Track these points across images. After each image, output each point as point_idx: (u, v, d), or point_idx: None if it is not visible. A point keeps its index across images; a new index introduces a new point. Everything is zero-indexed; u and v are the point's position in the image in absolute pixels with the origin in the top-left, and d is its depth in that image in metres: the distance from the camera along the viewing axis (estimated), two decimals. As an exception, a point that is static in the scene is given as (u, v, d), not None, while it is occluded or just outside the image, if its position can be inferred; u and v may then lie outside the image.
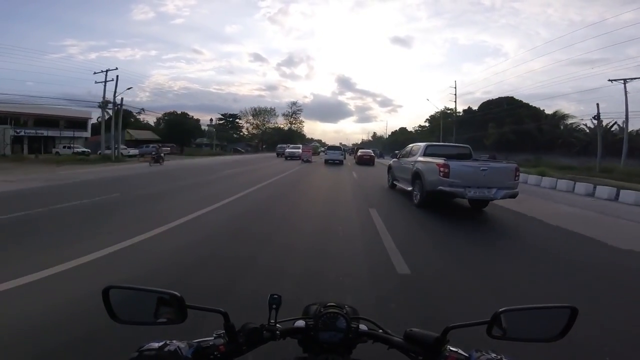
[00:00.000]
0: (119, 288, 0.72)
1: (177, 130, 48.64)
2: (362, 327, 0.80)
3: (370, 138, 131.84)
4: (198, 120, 59.37)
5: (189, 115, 58.77)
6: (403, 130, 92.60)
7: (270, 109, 72.03)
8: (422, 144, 8.98)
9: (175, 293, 0.71)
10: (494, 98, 45.37)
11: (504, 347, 0.71)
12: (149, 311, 0.72)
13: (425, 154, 8.39)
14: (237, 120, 70.78)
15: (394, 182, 10.64)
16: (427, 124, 63.49)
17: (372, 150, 34.02)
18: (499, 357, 0.67)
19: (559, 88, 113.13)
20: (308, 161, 26.80)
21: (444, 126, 43.06)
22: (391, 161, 11.82)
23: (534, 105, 41.70)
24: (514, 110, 39.14)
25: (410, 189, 8.47)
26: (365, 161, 26.84)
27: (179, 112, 58.56)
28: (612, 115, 36.34)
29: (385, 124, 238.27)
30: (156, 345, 0.66)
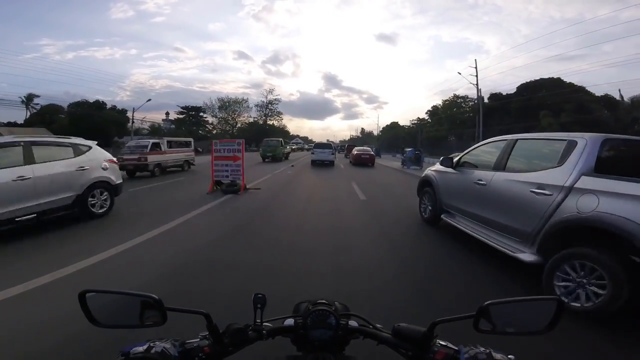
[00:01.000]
0: (95, 292, 0.72)
1: (83, 127, 32.19)
2: (352, 323, 0.81)
3: (358, 134, 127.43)
4: (124, 112, 43.05)
5: (106, 105, 43.31)
6: (394, 124, 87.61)
7: (242, 99, 60.37)
8: (579, 139, 3.13)
9: (153, 296, 0.71)
10: (532, 80, 37.21)
11: (492, 339, 0.70)
12: (129, 314, 0.72)
13: (598, 163, 2.88)
14: (202, 114, 58.32)
15: (445, 215, 5.16)
16: (426, 117, 57.37)
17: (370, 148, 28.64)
18: (487, 350, 0.67)
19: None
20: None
21: (455, 117, 37.72)
22: (431, 172, 5.86)
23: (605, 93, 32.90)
24: (568, 95, 31.55)
25: (525, 251, 3.23)
26: (364, 161, 21.76)
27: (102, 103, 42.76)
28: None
29: (372, 120, 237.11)
30: (141, 348, 0.66)
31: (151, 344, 0.67)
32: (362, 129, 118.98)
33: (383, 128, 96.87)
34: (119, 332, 0.75)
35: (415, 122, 61.47)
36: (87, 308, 0.70)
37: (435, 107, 54.10)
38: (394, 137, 75.65)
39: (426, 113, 57.26)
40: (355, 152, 23.44)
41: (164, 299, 0.72)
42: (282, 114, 61.97)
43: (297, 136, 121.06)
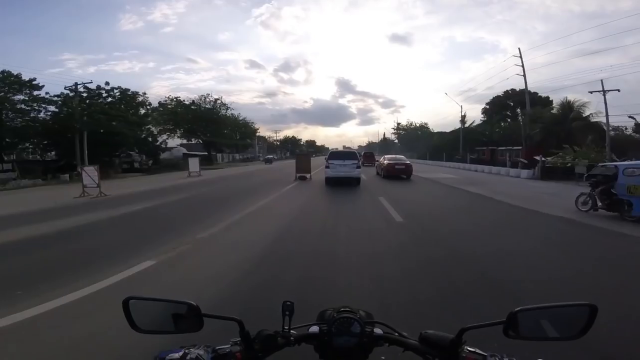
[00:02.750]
0: (138, 299, 0.75)
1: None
2: (377, 330, 0.81)
3: (378, 140, 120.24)
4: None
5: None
6: (422, 127, 79.63)
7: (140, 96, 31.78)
8: None
9: (192, 302, 0.74)
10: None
11: (522, 348, 0.72)
12: (167, 320, 0.75)
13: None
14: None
15: None
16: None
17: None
18: None
19: (562, 81, 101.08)
20: None
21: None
22: None
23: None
24: None
25: None
26: (398, 173, 17.05)
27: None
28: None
29: (388, 125, 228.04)
30: (177, 355, 0.67)
31: (186, 351, 0.68)
32: (384, 134, 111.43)
33: (402, 130, 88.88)
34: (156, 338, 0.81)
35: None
36: (129, 314, 0.73)
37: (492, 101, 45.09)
38: (422, 142, 67.77)
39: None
40: (387, 162, 17.91)
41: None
42: (228, 106, 46.11)
43: (304, 144, 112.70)
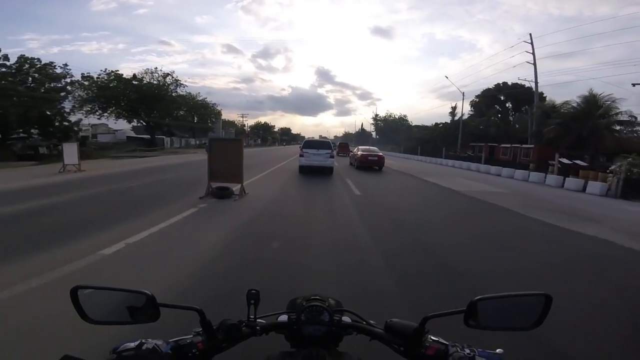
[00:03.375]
0: (87, 288, 0.71)
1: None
2: (346, 319, 0.80)
3: (357, 131, 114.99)
4: None
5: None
6: (401, 120, 74.68)
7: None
8: None
9: (146, 292, 0.70)
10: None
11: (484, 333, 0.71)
12: (121, 311, 0.71)
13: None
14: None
15: None
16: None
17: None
18: (471, 354, 0.67)
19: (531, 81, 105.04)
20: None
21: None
22: None
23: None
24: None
25: None
26: (371, 164, 17.36)
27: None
28: None
29: (364, 117, 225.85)
30: (132, 344, 0.65)
31: (143, 341, 0.66)
32: (362, 124, 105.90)
33: (380, 121, 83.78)
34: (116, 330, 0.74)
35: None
36: (78, 304, 0.69)
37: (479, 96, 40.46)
38: (401, 134, 62.79)
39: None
40: (360, 153, 18.18)
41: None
42: (178, 80, 36.24)
43: (277, 131, 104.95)
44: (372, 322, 0.81)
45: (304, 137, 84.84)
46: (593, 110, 20.29)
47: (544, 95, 39.41)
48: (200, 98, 46.97)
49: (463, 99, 34.55)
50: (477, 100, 43.92)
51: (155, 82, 33.91)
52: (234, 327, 0.73)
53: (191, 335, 0.72)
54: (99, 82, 30.77)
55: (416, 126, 74.40)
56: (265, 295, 0.83)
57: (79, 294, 0.70)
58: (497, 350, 0.68)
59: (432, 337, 0.72)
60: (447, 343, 0.71)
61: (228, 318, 0.75)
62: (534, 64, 25.28)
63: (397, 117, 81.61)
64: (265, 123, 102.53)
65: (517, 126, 32.90)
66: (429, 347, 0.70)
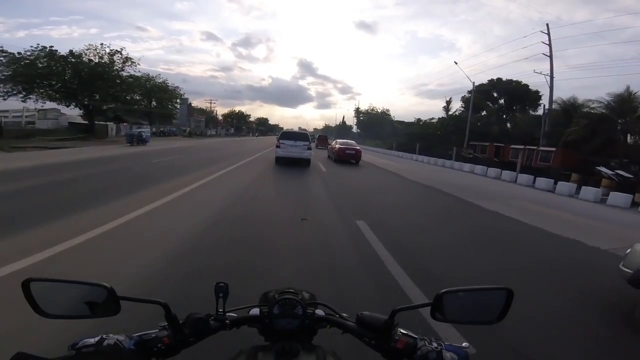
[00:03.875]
0: (41, 280, 0.68)
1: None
2: (319, 312, 0.80)
3: (337, 123, 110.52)
4: None
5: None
6: (383, 114, 70.82)
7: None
8: None
9: (105, 284, 0.67)
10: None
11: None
12: (79, 304, 0.68)
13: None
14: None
15: None
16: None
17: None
18: (439, 348, 0.67)
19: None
20: None
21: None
22: None
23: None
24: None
25: None
26: (348, 158, 17.03)
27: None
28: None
29: (343, 111, 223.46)
30: (92, 340, 0.62)
31: (103, 336, 0.63)
32: (343, 117, 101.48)
33: (362, 114, 79.73)
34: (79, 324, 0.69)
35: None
36: (31, 297, 0.65)
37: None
38: (384, 129, 58.96)
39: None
40: (338, 146, 17.85)
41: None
42: (133, 61, 29.73)
43: (253, 121, 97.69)
44: (345, 315, 0.80)
45: (282, 128, 79.27)
46: (628, 111, 16.86)
47: (541, 94, 36.78)
48: (160, 80, 40.51)
49: (473, 89, 30.05)
50: (469, 95, 40.62)
51: (98, 60, 27.30)
52: (202, 321, 0.71)
53: (157, 330, 0.69)
54: (22, 59, 23.95)
55: (399, 121, 71.17)
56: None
57: (32, 286, 0.66)
58: (464, 344, 0.69)
59: (402, 331, 0.73)
60: (416, 336, 0.71)
61: (195, 312, 0.72)
62: (550, 56, 21.64)
63: (379, 111, 77.87)
64: (240, 112, 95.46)
65: (508, 125, 29.53)
66: (398, 340, 0.70)
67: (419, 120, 36.29)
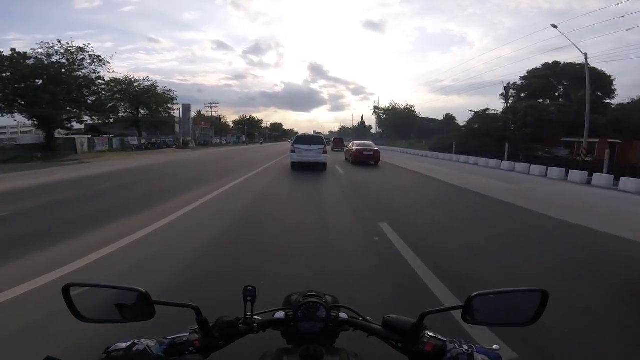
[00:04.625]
0: (80, 285, 0.69)
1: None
2: (343, 315, 0.80)
3: (354, 125, 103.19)
4: None
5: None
6: (409, 111, 62.58)
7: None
8: None
9: (140, 289, 0.68)
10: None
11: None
12: (115, 309, 0.69)
13: None
14: None
15: None
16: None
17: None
18: (470, 350, 0.66)
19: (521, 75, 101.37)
20: None
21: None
22: None
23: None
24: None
25: None
26: (366, 159, 16.18)
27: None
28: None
29: (357, 112, 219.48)
30: (124, 345, 0.63)
31: (135, 341, 0.64)
32: (362, 117, 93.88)
33: (382, 112, 71.93)
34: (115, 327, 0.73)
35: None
36: (71, 302, 0.67)
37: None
38: (410, 128, 51.37)
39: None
40: (355, 148, 16.72)
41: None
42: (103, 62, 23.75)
43: (266, 127, 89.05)
44: (369, 318, 0.80)
45: (297, 132, 73.33)
46: None
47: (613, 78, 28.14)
48: (148, 83, 34.67)
49: (587, 62, 22.59)
50: (522, 84, 32.42)
51: (51, 60, 21.34)
52: (231, 324, 0.72)
53: (187, 333, 0.70)
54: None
55: (427, 118, 62.76)
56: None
57: (71, 291, 0.67)
58: (494, 347, 0.68)
59: (430, 333, 0.71)
60: (445, 339, 0.70)
61: (225, 315, 0.73)
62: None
63: (402, 107, 69.63)
64: (252, 117, 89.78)
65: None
66: (426, 343, 0.69)
67: (484, 111, 27.18)
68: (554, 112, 21.02)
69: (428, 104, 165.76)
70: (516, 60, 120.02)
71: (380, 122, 75.70)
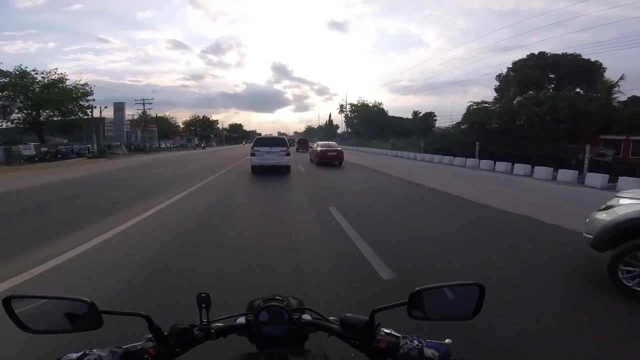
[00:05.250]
0: (22, 297, 0.68)
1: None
2: (306, 317, 0.80)
3: (320, 125, 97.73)
4: None
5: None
6: (377, 108, 57.76)
7: None
8: None
9: (86, 299, 0.68)
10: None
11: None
12: (62, 319, 0.68)
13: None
14: None
15: None
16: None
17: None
18: (420, 345, 0.67)
19: (473, 75, 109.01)
20: None
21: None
22: None
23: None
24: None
25: None
26: (330, 160, 15.98)
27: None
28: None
29: (321, 112, 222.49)
30: (74, 356, 0.62)
31: (86, 351, 0.63)
32: (330, 115, 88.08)
33: (352, 110, 67.21)
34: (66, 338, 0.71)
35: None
36: (14, 314, 0.66)
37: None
38: (382, 126, 46.75)
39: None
40: (320, 148, 16.63)
41: None
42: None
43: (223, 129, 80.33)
44: (332, 318, 0.80)
45: (259, 134, 66.10)
46: None
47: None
48: (56, 76, 26.22)
49: None
50: (513, 75, 28.63)
51: None
52: (186, 331, 0.71)
53: (143, 342, 0.69)
54: None
55: (396, 117, 58.54)
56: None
57: (13, 303, 0.66)
58: (446, 340, 0.70)
59: (385, 330, 0.73)
60: (398, 335, 0.71)
61: (179, 323, 0.72)
62: None
63: (371, 105, 64.98)
64: (205, 117, 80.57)
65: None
66: (381, 340, 0.71)
67: (480, 104, 22.54)
68: (587, 103, 16.77)
69: (388, 104, 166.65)
70: (470, 60, 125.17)
71: (348, 121, 70.90)
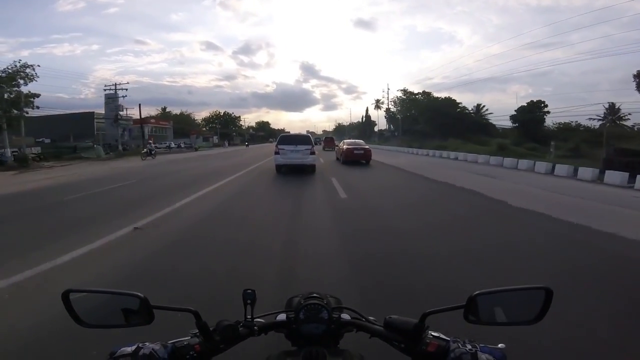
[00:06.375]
0: (79, 291, 0.69)
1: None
2: (345, 316, 0.79)
3: (352, 122, 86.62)
4: None
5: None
6: (433, 98, 45.24)
7: None
8: None
9: (139, 294, 0.68)
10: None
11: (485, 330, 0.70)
12: (115, 313, 0.69)
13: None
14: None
15: None
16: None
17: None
18: (473, 350, 0.64)
19: (511, 72, 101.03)
20: None
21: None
22: None
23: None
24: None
25: None
26: (357, 158, 15.58)
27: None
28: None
29: (349, 112, 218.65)
30: (129, 349, 0.63)
31: (140, 345, 0.63)
32: (367, 110, 76.53)
33: (395, 104, 55.29)
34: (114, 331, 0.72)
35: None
36: (71, 308, 0.67)
37: None
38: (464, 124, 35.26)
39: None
40: (346, 147, 16.09)
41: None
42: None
43: (248, 128, 71.95)
44: (371, 318, 0.79)
45: (289, 132, 56.11)
46: None
47: None
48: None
49: None
50: None
51: None
52: (231, 328, 0.71)
53: (188, 337, 0.69)
54: None
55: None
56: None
57: (71, 297, 0.67)
58: (499, 345, 0.67)
59: (433, 333, 0.70)
60: (448, 339, 0.68)
61: (225, 319, 0.72)
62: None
63: (417, 96, 52.69)
64: (227, 113, 71.66)
65: None
66: (429, 343, 0.68)
67: None
68: None
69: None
70: (507, 57, 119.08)
71: (391, 116, 59.00)
